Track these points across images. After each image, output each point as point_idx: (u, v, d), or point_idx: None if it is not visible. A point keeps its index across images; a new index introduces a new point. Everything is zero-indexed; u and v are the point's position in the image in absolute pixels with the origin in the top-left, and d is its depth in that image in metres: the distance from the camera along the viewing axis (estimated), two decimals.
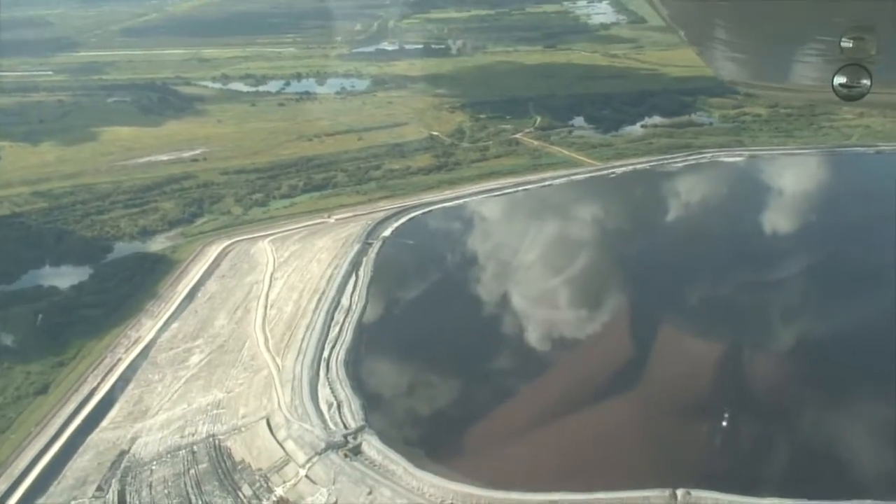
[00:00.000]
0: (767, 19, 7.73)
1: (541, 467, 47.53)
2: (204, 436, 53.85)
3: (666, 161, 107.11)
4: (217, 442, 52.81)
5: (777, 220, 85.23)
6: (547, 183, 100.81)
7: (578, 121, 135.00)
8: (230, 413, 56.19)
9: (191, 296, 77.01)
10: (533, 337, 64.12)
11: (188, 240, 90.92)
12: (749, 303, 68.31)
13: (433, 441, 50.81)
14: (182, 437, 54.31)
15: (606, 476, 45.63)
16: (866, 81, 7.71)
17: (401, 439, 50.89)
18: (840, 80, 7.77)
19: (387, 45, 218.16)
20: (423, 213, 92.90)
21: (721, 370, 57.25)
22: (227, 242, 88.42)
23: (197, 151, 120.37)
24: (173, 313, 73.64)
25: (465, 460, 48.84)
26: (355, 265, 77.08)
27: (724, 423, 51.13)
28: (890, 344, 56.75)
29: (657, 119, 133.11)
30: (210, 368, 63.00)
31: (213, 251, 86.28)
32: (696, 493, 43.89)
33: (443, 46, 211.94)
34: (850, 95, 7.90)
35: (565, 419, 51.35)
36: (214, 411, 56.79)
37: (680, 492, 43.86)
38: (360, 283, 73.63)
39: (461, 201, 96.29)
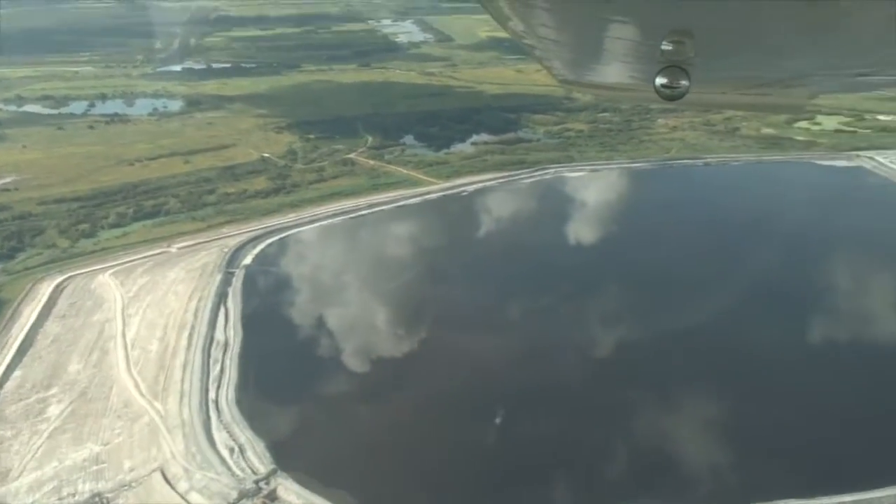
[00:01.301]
0: (592, 23, 8.00)
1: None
2: (88, 495, 48.46)
3: (513, 178, 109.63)
4: (106, 501, 47.76)
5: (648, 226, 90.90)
6: (401, 203, 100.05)
7: (409, 139, 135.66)
8: (114, 467, 50.92)
9: (29, 340, 69.35)
10: (410, 355, 63.51)
11: (12, 277, 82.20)
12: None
13: (353, 478, 48.63)
14: (60, 499, 48.64)
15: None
16: (685, 82, 8.14)
17: (318, 479, 48.28)
18: (661, 80, 8.16)
19: (192, 64, 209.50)
20: (281, 238, 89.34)
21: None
22: (61, 278, 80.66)
23: (7, 180, 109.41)
24: (12, 360, 66.05)
25: (391, 491, 47.37)
26: (221, 296, 72.76)
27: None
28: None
29: (485, 136, 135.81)
30: (76, 419, 56.87)
31: (46, 288, 78.37)
32: None
33: (253, 65, 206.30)
34: (671, 95, 8.25)
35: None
36: (94, 467, 51.23)
37: None
38: (231, 315, 69.49)
39: (316, 224, 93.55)
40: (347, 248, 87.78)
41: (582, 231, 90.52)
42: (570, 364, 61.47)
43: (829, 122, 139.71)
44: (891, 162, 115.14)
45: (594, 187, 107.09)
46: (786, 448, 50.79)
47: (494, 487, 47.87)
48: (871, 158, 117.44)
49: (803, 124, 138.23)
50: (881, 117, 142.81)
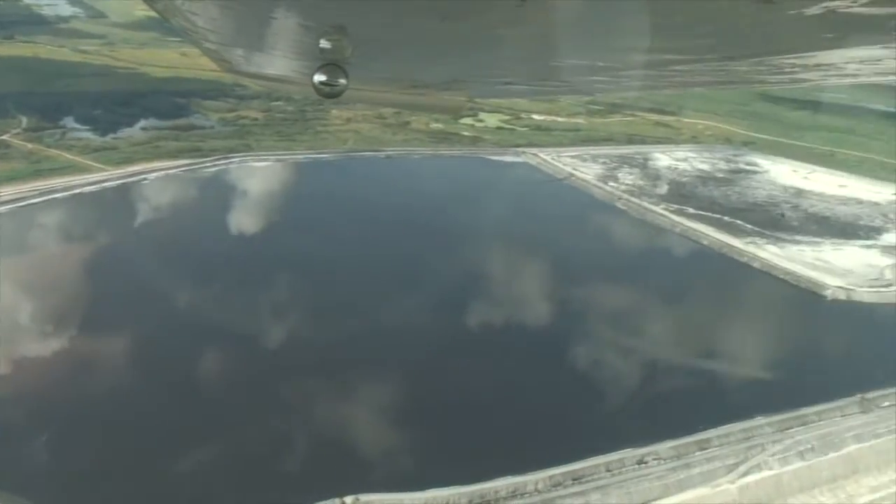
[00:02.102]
0: (251, 17, 8.32)
1: None
2: None
3: (196, 166, 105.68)
4: None
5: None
6: (76, 191, 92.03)
7: (69, 121, 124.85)
8: None
9: None
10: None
11: None
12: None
13: None
14: None
15: None
16: (343, 80, 8.35)
17: None
18: (320, 78, 8.33)
19: None
20: None
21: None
22: None
23: None
24: None
25: None
26: None
27: None
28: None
29: (155, 121, 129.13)
30: None
31: None
32: (365, 497, 45.83)
33: None
34: (329, 93, 8.52)
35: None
36: None
37: (349, 499, 45.17)
38: None
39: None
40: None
41: (271, 220, 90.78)
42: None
43: (492, 120, 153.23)
44: (552, 158, 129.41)
45: (287, 178, 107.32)
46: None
47: None
48: (534, 155, 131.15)
49: (468, 121, 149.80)
50: (536, 117, 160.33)
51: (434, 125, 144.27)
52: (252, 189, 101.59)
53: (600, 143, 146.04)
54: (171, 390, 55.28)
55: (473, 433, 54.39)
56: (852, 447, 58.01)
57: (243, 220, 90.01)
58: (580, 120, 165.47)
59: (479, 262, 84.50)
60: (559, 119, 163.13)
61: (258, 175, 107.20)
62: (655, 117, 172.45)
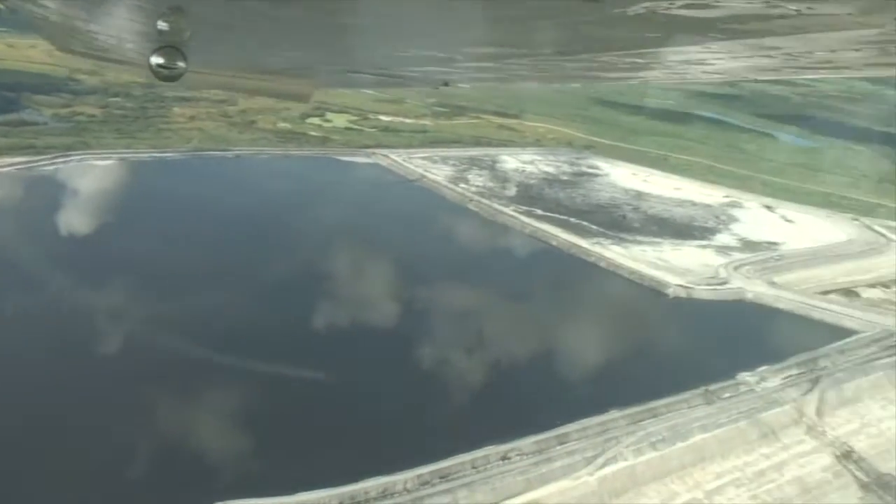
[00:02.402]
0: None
1: None
2: None
3: (33, 164, 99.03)
4: None
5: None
6: None
7: None
8: None
9: None
10: None
11: None
12: None
13: None
14: None
15: None
16: (182, 63, 8.25)
17: None
18: (157, 60, 8.19)
19: None
20: None
21: None
22: None
23: None
24: None
25: None
26: None
27: None
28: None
29: None
30: None
31: None
32: None
33: None
34: (167, 76, 8.46)
35: None
36: None
37: None
38: None
39: None
40: None
41: (114, 220, 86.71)
42: None
43: (339, 120, 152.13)
44: (402, 160, 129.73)
45: (131, 178, 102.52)
46: None
47: None
48: (385, 156, 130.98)
49: (316, 121, 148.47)
50: (383, 118, 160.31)
51: (281, 124, 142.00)
52: (95, 188, 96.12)
53: (448, 144, 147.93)
54: None
55: (335, 436, 53.70)
56: (698, 437, 61.24)
57: (86, 221, 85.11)
58: (427, 122, 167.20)
59: (331, 265, 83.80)
60: (406, 120, 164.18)
61: (100, 174, 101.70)
62: (499, 120, 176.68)
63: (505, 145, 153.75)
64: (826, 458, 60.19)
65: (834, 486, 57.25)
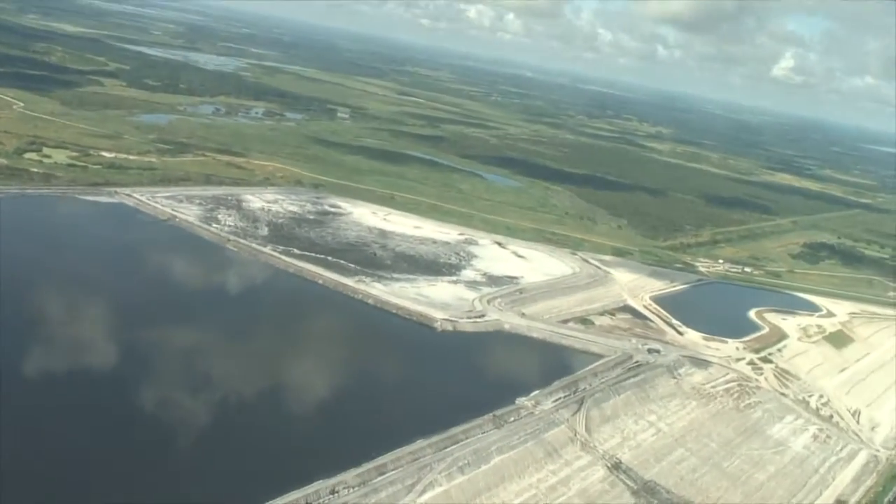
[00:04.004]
0: None
1: None
2: None
3: None
4: None
5: None
6: None
7: None
8: None
9: None
10: None
11: None
12: None
13: None
14: None
15: None
16: None
17: None
18: None
19: None
20: None
21: None
22: None
23: None
24: None
25: None
26: None
27: None
28: None
29: None
30: None
31: None
32: None
33: None
34: None
35: None
36: None
37: None
38: None
39: None
40: None
41: None
42: None
43: (59, 156, 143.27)
44: (147, 199, 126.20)
45: None
46: None
47: None
48: (129, 195, 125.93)
49: (34, 156, 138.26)
50: (105, 154, 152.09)
51: None
52: None
53: (180, 183, 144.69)
54: None
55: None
56: (497, 459, 69.70)
57: None
58: (153, 158, 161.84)
59: (96, 308, 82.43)
60: (130, 157, 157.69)
61: None
62: (226, 158, 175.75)
63: (238, 184, 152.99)
64: (600, 471, 71.45)
65: (611, 494, 68.19)
